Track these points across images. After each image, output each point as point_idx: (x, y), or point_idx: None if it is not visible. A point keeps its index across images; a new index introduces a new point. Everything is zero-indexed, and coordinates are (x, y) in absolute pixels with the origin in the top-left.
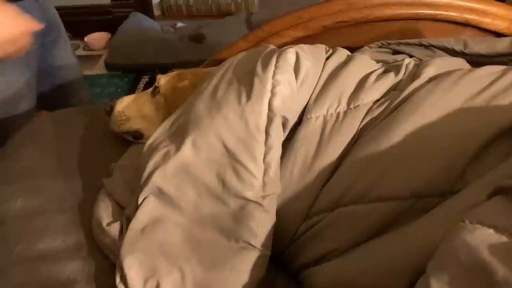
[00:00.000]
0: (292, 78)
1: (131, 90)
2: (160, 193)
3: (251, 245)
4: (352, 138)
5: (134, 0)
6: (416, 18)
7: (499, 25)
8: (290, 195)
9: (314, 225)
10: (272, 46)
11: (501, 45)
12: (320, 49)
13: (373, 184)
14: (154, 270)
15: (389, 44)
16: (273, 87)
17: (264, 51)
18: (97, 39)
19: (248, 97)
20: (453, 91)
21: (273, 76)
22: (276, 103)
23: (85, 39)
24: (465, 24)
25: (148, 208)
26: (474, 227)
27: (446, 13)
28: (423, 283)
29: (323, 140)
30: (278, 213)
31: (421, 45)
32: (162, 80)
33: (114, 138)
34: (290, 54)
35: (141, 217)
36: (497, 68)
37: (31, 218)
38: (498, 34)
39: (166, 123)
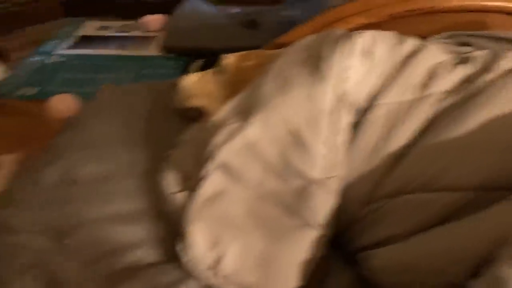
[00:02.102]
0: (363, 63)
1: (184, 73)
2: (225, 168)
3: (311, 224)
4: (421, 127)
5: None
6: (485, 10)
7: None
8: (354, 178)
9: (376, 210)
10: (342, 31)
11: None
12: (392, 36)
13: (442, 174)
14: (218, 239)
15: (457, 35)
16: (343, 71)
17: (334, 34)
18: (152, 20)
19: (317, 80)
20: None
21: (343, 60)
22: (345, 87)
23: (141, 20)
24: None
25: (213, 180)
26: None
27: None
28: (493, 270)
29: (391, 127)
30: (341, 195)
31: (490, 37)
32: (227, 59)
33: (179, 113)
34: (362, 39)
35: (206, 189)
36: None
37: (100, 183)
38: None
39: (233, 101)
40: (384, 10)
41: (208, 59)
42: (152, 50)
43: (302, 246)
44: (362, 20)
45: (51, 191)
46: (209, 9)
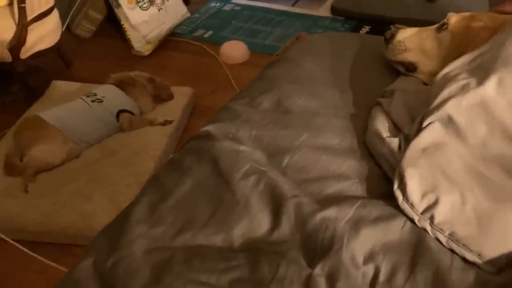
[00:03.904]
0: None
1: None
2: (449, 121)
3: None
4: None
5: None
6: None
7: None
8: None
9: None
10: None
11: None
12: None
13: None
14: (434, 187)
15: None
16: None
17: None
18: None
19: None
20: None
21: None
22: None
23: None
24: None
25: (433, 132)
26: None
27: None
28: None
29: None
30: None
31: None
32: (453, 18)
33: (384, 65)
34: None
35: (424, 139)
36: None
37: (312, 116)
38: None
39: (467, 57)
40: None
41: (375, 26)
42: (322, 11)
43: None
44: None
45: (268, 115)
46: None
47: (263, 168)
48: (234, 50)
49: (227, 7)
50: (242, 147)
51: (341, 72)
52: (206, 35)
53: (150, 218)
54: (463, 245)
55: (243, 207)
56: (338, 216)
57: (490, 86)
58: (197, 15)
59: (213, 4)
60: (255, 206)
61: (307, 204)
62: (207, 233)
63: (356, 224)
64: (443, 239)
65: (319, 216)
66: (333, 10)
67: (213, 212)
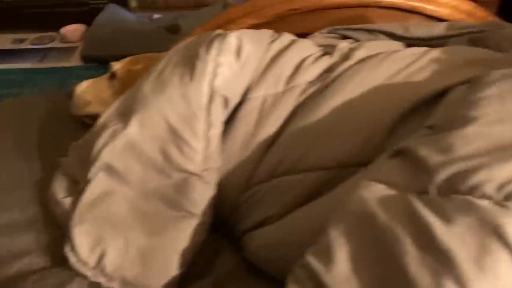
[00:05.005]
0: (233, 60)
1: None
2: (109, 169)
3: (192, 213)
4: (287, 117)
5: None
6: (365, 5)
7: (441, 12)
8: (231, 167)
9: (253, 195)
10: (218, 31)
11: (438, 29)
12: (264, 34)
13: (302, 157)
14: (100, 238)
15: (336, 29)
16: (215, 68)
17: (212, 34)
18: (73, 31)
19: (191, 78)
20: (377, 71)
21: (215, 58)
22: (217, 83)
23: (61, 31)
24: (412, 11)
25: (98, 182)
26: (370, 183)
27: (391, 0)
28: (323, 234)
29: (261, 118)
30: (220, 184)
31: (365, 30)
32: (117, 65)
33: (76, 122)
34: (231, 38)
35: (91, 191)
36: (420, 50)
37: None
38: (441, 21)
39: (116, 104)
40: (269, 11)
41: None
42: (74, 61)
43: (182, 235)
44: (252, 21)
45: None
46: (129, 17)
47: None
48: None
49: None
50: None
51: (30, 138)
52: None
53: None
54: (133, 286)
55: None
56: None
57: (133, 127)
58: None
59: None
60: None
61: None
62: None
63: None
64: (116, 287)
65: None
66: (84, 58)
67: None
